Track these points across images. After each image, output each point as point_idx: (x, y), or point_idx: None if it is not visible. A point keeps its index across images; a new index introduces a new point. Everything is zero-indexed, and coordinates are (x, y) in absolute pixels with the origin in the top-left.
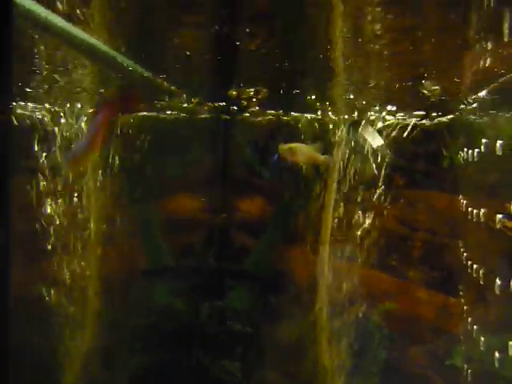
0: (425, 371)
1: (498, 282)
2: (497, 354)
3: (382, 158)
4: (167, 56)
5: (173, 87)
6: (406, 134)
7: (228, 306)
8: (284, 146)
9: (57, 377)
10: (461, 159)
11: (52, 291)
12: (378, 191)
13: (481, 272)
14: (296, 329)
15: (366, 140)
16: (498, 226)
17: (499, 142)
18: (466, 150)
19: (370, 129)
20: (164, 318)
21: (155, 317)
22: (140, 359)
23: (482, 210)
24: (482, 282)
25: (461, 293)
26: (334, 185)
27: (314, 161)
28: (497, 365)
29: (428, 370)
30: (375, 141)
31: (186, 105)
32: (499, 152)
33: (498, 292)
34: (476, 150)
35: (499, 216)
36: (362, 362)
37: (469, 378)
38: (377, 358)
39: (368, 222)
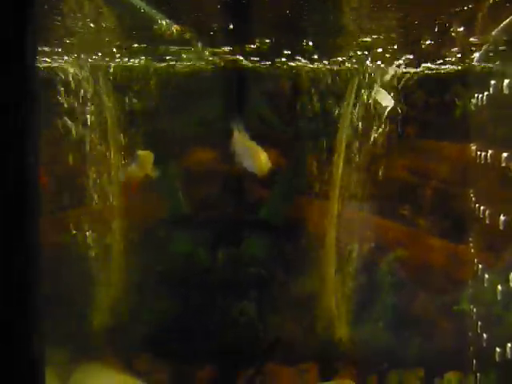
0: (434, 316)
1: (502, 218)
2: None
3: (393, 111)
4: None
5: (188, 35)
6: (416, 84)
7: (244, 252)
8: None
9: (87, 319)
10: (472, 106)
11: (81, 238)
12: (389, 142)
13: (487, 212)
14: (309, 277)
15: (378, 102)
16: (503, 164)
17: (506, 81)
18: (476, 96)
19: (382, 91)
20: (184, 264)
21: (176, 263)
22: (163, 302)
23: (491, 153)
24: (488, 222)
25: (470, 240)
26: (345, 136)
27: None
28: (503, 309)
29: (436, 316)
30: (387, 102)
31: (199, 56)
32: (506, 91)
33: (502, 227)
34: (485, 93)
35: (504, 155)
36: (371, 307)
37: (477, 323)
38: (387, 303)
39: (380, 172)
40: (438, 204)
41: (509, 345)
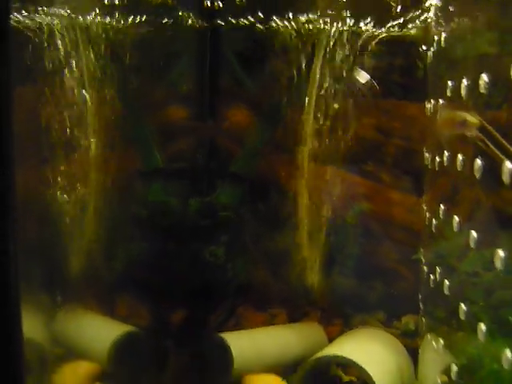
0: (394, 265)
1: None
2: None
3: (363, 77)
4: None
5: None
6: (381, 46)
7: (215, 201)
8: None
9: (65, 266)
10: (425, 65)
11: (57, 192)
12: (356, 101)
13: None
14: (280, 227)
15: (356, 80)
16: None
17: (443, 35)
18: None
19: (358, 69)
20: (158, 212)
21: (150, 211)
22: (138, 246)
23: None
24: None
25: (425, 193)
26: (314, 96)
27: None
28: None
29: (397, 264)
30: (363, 78)
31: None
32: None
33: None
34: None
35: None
36: (338, 256)
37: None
38: (351, 253)
39: (347, 130)
40: (400, 160)
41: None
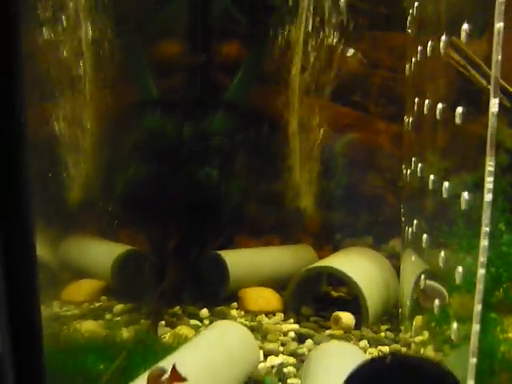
0: (381, 191)
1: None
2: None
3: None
4: None
5: None
6: None
7: (208, 127)
8: None
9: (67, 197)
10: None
11: (57, 124)
12: (342, 33)
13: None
14: (273, 155)
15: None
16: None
17: None
18: None
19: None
20: (154, 138)
21: (147, 137)
22: (136, 168)
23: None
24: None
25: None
26: (303, 28)
27: None
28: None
29: (384, 191)
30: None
31: None
32: None
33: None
34: None
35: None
36: (328, 183)
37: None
38: (340, 181)
39: (335, 63)
40: (385, 91)
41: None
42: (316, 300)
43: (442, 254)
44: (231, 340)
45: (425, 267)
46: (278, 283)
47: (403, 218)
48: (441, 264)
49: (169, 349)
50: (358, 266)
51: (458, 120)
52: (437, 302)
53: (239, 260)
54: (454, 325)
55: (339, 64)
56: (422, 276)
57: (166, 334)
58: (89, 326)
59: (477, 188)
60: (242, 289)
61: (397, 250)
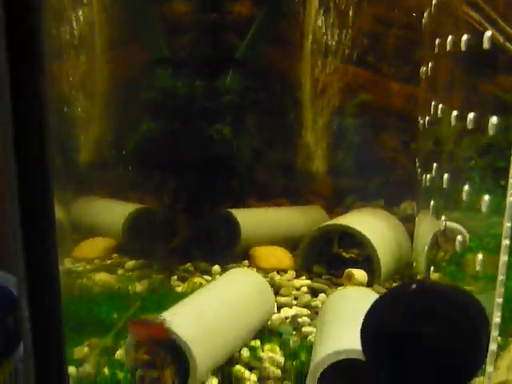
0: (394, 154)
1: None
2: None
3: None
4: None
5: None
6: None
7: (220, 85)
8: None
9: (79, 157)
10: None
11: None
12: None
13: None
14: (284, 115)
15: None
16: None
17: None
18: None
19: None
20: (166, 95)
21: (159, 94)
22: (148, 125)
23: None
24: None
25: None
26: None
27: None
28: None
29: (396, 153)
30: None
31: None
32: None
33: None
34: None
35: None
36: (340, 145)
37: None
38: (352, 143)
39: (348, 22)
40: (399, 50)
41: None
42: (328, 260)
43: (466, 187)
44: (248, 287)
45: (444, 212)
46: (288, 243)
47: (419, 170)
48: (464, 197)
49: (183, 296)
50: (370, 224)
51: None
52: (458, 239)
53: (250, 219)
54: (479, 256)
55: (352, 24)
56: (442, 218)
57: (178, 287)
58: (102, 278)
59: (505, 111)
60: (254, 247)
61: (408, 212)
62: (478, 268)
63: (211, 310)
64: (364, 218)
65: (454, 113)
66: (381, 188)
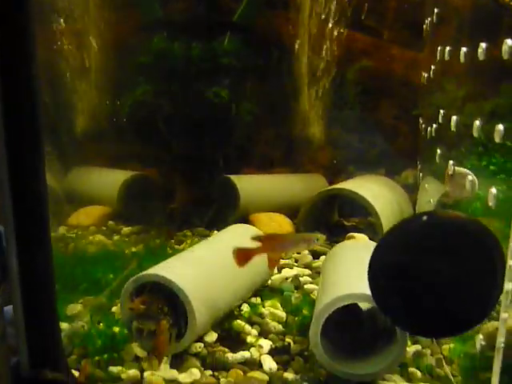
0: (395, 121)
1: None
2: None
3: None
4: None
5: None
6: None
7: (217, 47)
8: None
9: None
10: None
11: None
12: None
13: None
14: (282, 81)
15: None
16: None
17: None
18: None
19: None
20: (162, 57)
21: (154, 57)
22: (143, 89)
23: None
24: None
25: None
26: None
27: None
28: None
29: (397, 120)
30: None
31: None
32: None
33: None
34: None
35: None
36: (340, 112)
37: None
38: (353, 109)
39: None
40: (400, 15)
41: None
42: (328, 227)
43: (478, 122)
44: (249, 241)
45: (451, 158)
46: (288, 210)
47: (423, 126)
48: (476, 133)
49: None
50: (371, 189)
51: None
52: (469, 179)
53: (250, 185)
54: (493, 190)
55: None
56: (451, 163)
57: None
58: (98, 239)
59: None
60: (253, 213)
61: (409, 180)
62: (490, 204)
63: (210, 261)
64: (365, 183)
65: (463, 49)
66: (381, 156)
